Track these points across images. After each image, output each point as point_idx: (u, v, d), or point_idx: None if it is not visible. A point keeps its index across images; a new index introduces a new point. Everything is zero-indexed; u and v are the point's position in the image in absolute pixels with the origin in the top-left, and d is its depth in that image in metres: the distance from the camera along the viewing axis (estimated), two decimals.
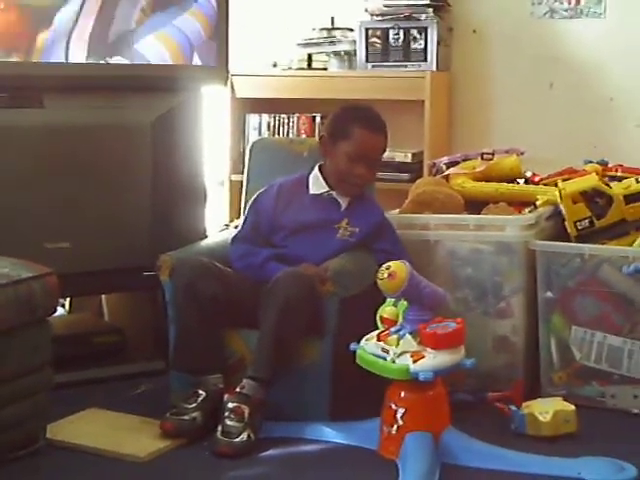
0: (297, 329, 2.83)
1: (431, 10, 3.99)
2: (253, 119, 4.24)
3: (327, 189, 3.11)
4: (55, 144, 3.21)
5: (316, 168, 3.15)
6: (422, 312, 2.68)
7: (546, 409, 2.82)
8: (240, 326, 2.97)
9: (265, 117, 4.22)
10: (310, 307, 2.85)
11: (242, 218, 3.26)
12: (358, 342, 2.75)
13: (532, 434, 2.79)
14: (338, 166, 3.07)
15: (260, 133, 4.22)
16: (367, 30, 4.06)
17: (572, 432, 2.81)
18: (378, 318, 2.76)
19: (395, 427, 2.66)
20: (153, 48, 3.37)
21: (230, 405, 2.72)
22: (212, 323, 2.91)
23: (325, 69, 4.19)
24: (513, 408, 2.85)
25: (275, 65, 4.25)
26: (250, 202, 3.23)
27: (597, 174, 3.35)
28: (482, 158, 3.60)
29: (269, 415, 2.80)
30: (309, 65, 4.19)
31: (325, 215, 3.08)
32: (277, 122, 4.15)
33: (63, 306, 3.80)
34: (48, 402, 2.70)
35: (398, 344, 2.64)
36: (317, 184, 3.12)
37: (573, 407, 2.86)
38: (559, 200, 3.24)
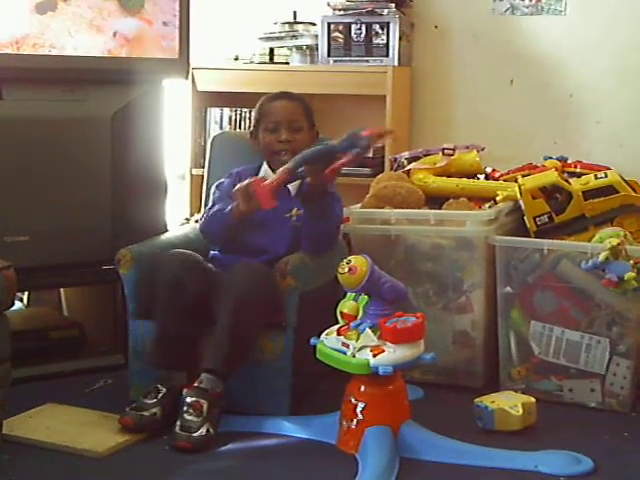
0: (253, 321, 2.82)
1: (393, 5, 3.98)
2: (214, 113, 4.21)
3: None
4: (14, 137, 3.17)
5: (265, 163, 3.19)
6: (382, 307, 2.68)
7: (514, 403, 2.83)
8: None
9: (226, 111, 4.19)
10: (267, 299, 2.84)
11: (205, 207, 3.25)
12: (318, 336, 2.75)
13: (500, 429, 2.80)
14: (265, 143, 3.14)
15: (221, 127, 4.19)
16: (329, 25, 4.04)
17: (533, 424, 2.84)
18: (338, 313, 2.76)
19: (355, 421, 2.66)
20: None
21: (188, 400, 2.70)
22: (196, 319, 2.86)
23: (287, 63, 4.17)
24: (480, 405, 2.85)
25: (237, 59, 4.22)
26: (212, 188, 3.22)
27: (556, 170, 3.37)
28: (443, 153, 3.61)
29: (228, 409, 2.79)
30: (271, 59, 4.17)
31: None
32: (238, 116, 4.13)
33: (21, 300, 3.77)
34: (6, 397, 2.66)
35: (358, 338, 2.64)
36: (266, 176, 3.12)
37: (533, 399, 2.88)
38: (519, 196, 3.26)
